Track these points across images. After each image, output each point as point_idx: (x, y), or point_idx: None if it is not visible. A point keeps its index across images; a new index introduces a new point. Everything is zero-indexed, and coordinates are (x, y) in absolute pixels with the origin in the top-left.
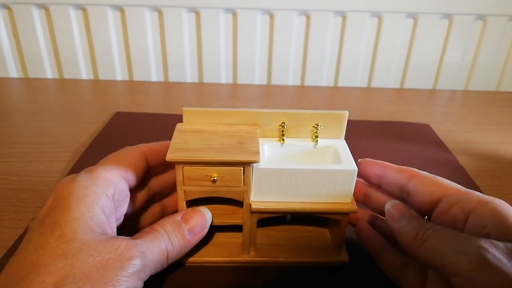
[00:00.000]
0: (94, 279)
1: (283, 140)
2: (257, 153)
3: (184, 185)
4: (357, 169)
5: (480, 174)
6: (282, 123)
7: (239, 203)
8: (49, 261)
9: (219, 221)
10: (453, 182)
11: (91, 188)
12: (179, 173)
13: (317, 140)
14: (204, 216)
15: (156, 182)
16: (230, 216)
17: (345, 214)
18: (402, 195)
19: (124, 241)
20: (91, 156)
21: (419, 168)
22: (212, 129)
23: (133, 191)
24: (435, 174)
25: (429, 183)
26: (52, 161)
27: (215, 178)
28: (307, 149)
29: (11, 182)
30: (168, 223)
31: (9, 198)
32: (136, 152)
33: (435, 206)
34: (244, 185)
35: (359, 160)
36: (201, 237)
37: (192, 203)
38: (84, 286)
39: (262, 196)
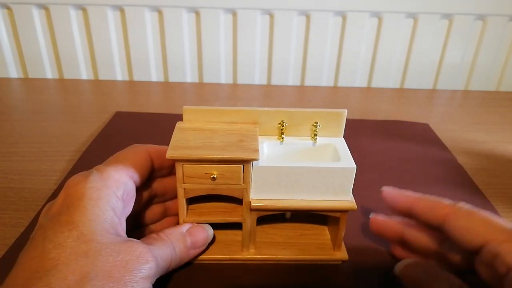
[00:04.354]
0: (115, 278)
1: (282, 138)
2: (256, 151)
3: (184, 183)
4: (355, 166)
5: (479, 173)
6: (281, 121)
7: (238, 201)
8: (70, 259)
9: (219, 219)
10: (494, 220)
11: (103, 189)
12: (179, 170)
13: (316, 139)
14: (207, 233)
15: (159, 184)
16: (230, 213)
17: (344, 211)
18: (442, 233)
19: (140, 244)
20: (91, 156)
21: (418, 167)
22: (212, 127)
23: (137, 190)
24: (434, 173)
25: (466, 228)
26: (53, 160)
27: (215, 176)
28: (306, 147)
29: (12, 181)
30: (174, 234)
31: (10, 196)
32: (143, 152)
33: (476, 254)
34: (243, 182)
35: (382, 189)
36: (200, 252)
37: (192, 200)
38: (107, 284)
39: (262, 194)
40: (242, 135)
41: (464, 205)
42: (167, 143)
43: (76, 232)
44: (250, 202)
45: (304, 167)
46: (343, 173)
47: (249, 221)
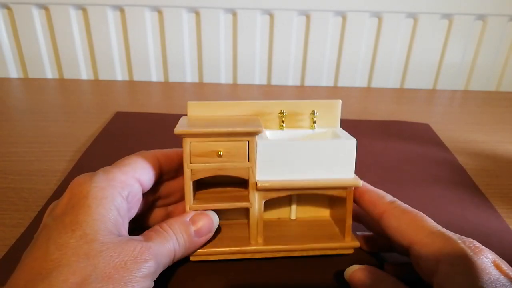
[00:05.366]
0: (115, 279)
1: (283, 126)
2: (260, 125)
3: (191, 163)
4: (356, 140)
5: (479, 173)
6: (281, 110)
7: (245, 187)
8: (72, 261)
9: (226, 205)
10: (422, 221)
11: (108, 189)
12: (186, 148)
13: (315, 126)
14: (211, 220)
15: (164, 187)
16: (237, 198)
17: (349, 188)
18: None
19: (139, 243)
20: (92, 156)
21: (418, 167)
22: (217, 117)
23: (143, 195)
24: (434, 173)
25: (396, 229)
26: (53, 160)
27: (221, 153)
28: (307, 133)
29: (12, 181)
30: (176, 224)
31: (10, 197)
32: (151, 157)
33: (408, 252)
34: (249, 160)
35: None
36: (207, 240)
37: (199, 188)
38: (107, 286)
39: (267, 175)
40: (246, 119)
41: (400, 205)
42: (167, 143)
43: (79, 232)
44: (256, 183)
45: (307, 141)
46: (344, 146)
47: (256, 205)
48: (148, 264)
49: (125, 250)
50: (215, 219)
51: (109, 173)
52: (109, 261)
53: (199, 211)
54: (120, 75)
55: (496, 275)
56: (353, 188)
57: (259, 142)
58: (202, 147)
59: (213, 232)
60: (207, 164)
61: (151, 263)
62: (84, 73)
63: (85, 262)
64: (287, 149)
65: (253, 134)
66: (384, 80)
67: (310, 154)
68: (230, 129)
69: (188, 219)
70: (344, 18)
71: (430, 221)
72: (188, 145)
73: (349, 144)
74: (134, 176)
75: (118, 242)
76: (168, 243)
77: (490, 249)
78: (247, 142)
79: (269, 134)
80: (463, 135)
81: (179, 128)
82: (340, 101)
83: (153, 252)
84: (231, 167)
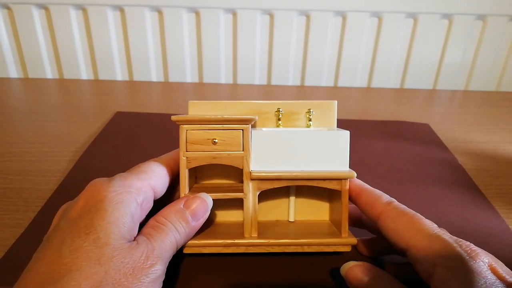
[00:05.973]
0: (125, 286)
1: (279, 124)
2: (255, 115)
3: (186, 151)
4: (349, 132)
5: (479, 173)
6: (278, 109)
7: (239, 180)
8: (83, 265)
9: (220, 195)
10: (420, 223)
11: (125, 194)
12: (183, 136)
13: (310, 124)
14: (205, 201)
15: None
16: (232, 190)
17: (344, 181)
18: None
19: (145, 248)
20: (92, 156)
21: (418, 168)
22: (216, 115)
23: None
24: (434, 174)
25: (393, 231)
26: (53, 160)
27: (216, 140)
28: (302, 131)
29: (12, 181)
30: (172, 213)
31: (10, 197)
32: (165, 165)
33: (405, 252)
34: (243, 150)
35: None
36: (203, 221)
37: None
38: None
39: (261, 165)
40: (242, 115)
41: (397, 206)
42: (167, 143)
43: (92, 236)
44: (250, 172)
45: (300, 132)
46: (337, 138)
47: (250, 196)
48: (154, 268)
49: (134, 256)
50: (208, 200)
51: (126, 179)
52: (120, 267)
53: (191, 196)
54: (120, 75)
55: (491, 279)
56: (348, 181)
57: (253, 131)
58: (197, 135)
59: (208, 213)
60: (202, 152)
61: (157, 266)
62: (84, 73)
63: (97, 267)
64: (280, 138)
65: (246, 122)
66: (384, 80)
67: (304, 145)
68: (224, 116)
69: (182, 206)
70: (344, 18)
71: (427, 223)
72: (184, 132)
73: (343, 136)
74: (150, 183)
75: (128, 248)
76: (168, 237)
77: (490, 250)
78: (241, 131)
79: (265, 129)
80: (463, 135)
81: (177, 116)
82: (336, 101)
83: (157, 253)
84: (225, 156)
